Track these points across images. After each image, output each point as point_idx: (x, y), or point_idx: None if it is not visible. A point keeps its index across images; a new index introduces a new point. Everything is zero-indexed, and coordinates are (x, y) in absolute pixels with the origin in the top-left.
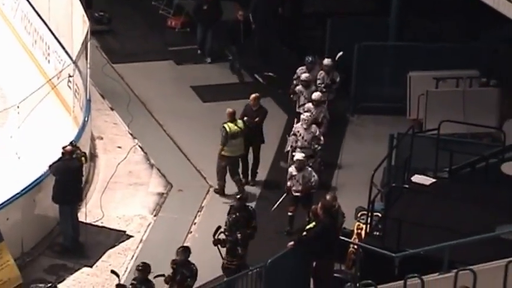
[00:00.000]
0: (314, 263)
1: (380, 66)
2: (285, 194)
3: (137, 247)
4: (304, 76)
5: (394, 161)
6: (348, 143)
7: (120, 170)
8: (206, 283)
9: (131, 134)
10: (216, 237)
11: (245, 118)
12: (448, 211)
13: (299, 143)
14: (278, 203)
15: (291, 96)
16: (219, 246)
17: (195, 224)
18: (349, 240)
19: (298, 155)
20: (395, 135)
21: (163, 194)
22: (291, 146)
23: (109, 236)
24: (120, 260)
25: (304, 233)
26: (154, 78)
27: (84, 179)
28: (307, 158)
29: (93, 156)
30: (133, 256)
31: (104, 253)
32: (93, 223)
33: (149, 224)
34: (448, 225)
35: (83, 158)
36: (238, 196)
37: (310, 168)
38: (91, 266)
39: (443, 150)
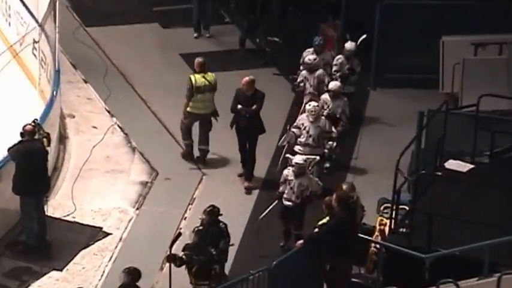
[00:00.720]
0: (327, 266)
1: (406, 30)
2: (275, 201)
3: (116, 246)
4: (309, 58)
5: (424, 143)
6: (369, 122)
7: (95, 155)
8: None
9: (109, 112)
10: (171, 249)
11: (239, 107)
12: (489, 203)
13: (302, 139)
14: (266, 211)
15: (296, 84)
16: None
17: (185, 219)
18: (370, 238)
19: (298, 158)
20: (426, 112)
21: (147, 183)
22: (288, 142)
23: (82, 234)
24: (95, 261)
25: (316, 229)
26: (136, 45)
27: (51, 165)
28: (311, 160)
29: (63, 137)
30: (111, 257)
31: (77, 254)
32: (63, 218)
33: (130, 219)
34: (488, 220)
35: (44, 140)
36: (208, 209)
37: (312, 176)
38: (61, 270)
39: (482, 130)
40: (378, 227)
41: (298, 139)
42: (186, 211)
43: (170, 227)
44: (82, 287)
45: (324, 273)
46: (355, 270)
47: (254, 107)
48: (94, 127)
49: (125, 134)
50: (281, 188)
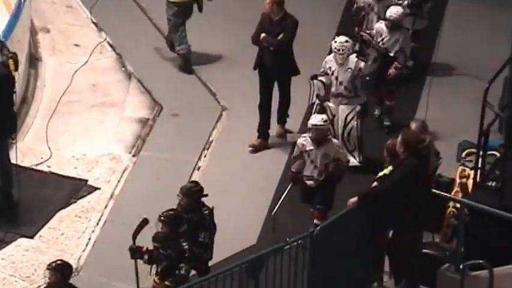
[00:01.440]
0: (390, 232)
1: None
2: (289, 186)
3: (105, 206)
4: None
5: None
6: (446, 34)
7: (77, 82)
8: (225, 260)
9: (95, 24)
10: (136, 239)
11: (262, 35)
12: None
13: (333, 88)
14: (279, 203)
15: (354, 15)
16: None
17: (198, 169)
18: (448, 195)
19: (316, 118)
20: None
21: (147, 120)
22: (317, 96)
23: (60, 189)
24: (78, 226)
25: (375, 183)
26: None
27: (19, 96)
28: (348, 112)
29: (35, 59)
30: (99, 220)
31: (52, 216)
32: (35, 167)
33: (125, 170)
34: None
35: (10, 62)
36: (186, 187)
37: (335, 140)
38: (31, 237)
39: None
40: (458, 180)
41: (331, 89)
42: (199, 159)
43: (178, 181)
44: (60, 259)
45: (386, 242)
46: (427, 238)
47: (281, 36)
48: (76, 45)
49: (118, 54)
50: (295, 165)
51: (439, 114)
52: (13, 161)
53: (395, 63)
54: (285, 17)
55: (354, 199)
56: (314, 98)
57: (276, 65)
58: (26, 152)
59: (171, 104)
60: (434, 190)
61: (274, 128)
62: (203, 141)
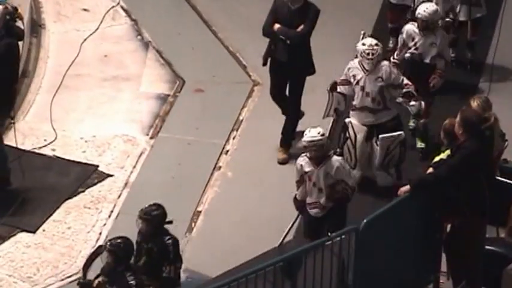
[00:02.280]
0: (448, 225)
1: None
2: (296, 218)
3: (119, 195)
4: None
5: None
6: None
7: (86, 53)
8: (259, 255)
9: None
10: (86, 272)
11: (277, 26)
12: None
13: (356, 100)
14: (285, 233)
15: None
16: None
17: (226, 153)
18: None
19: (311, 133)
20: None
21: (167, 97)
22: (335, 111)
23: (67, 175)
24: (87, 219)
25: (430, 169)
26: None
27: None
28: (388, 138)
29: (37, 26)
30: (111, 212)
31: (58, 207)
32: (38, 151)
33: (141, 153)
34: None
35: (19, 23)
36: (145, 211)
37: (336, 157)
38: (33, 231)
39: None
40: None
41: (353, 101)
42: (227, 141)
43: (202, 167)
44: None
45: (443, 236)
46: (491, 233)
47: (301, 28)
48: (84, 10)
49: (133, 20)
50: (299, 191)
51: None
52: (12, 143)
53: (438, 70)
54: (306, 5)
55: (406, 187)
56: (332, 112)
57: (291, 61)
58: (27, 133)
59: (195, 77)
60: (498, 177)
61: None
62: (231, 121)
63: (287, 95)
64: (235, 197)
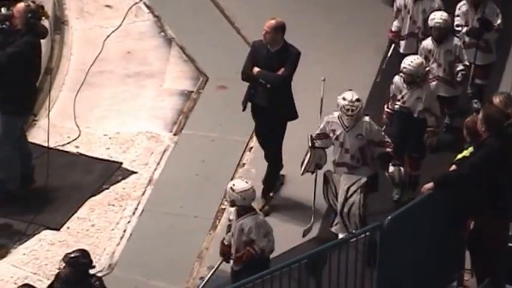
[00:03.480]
0: (471, 223)
1: None
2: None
3: (143, 193)
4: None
5: None
6: None
7: (109, 50)
8: (280, 255)
9: None
10: None
11: (256, 69)
12: None
13: (336, 155)
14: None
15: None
16: None
17: (250, 150)
18: None
19: (238, 184)
20: None
21: (190, 93)
22: (316, 166)
23: (90, 172)
24: (111, 216)
25: (453, 166)
26: None
27: (42, 65)
28: (351, 184)
29: (60, 23)
30: (135, 210)
31: (82, 205)
32: (61, 148)
33: (165, 150)
34: None
35: (45, 21)
36: (70, 256)
37: (260, 217)
38: (57, 229)
39: None
40: None
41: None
42: (251, 138)
43: (226, 163)
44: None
45: (466, 235)
46: None
47: (281, 71)
48: (107, 6)
49: (156, 17)
50: (226, 238)
51: None
52: (35, 140)
53: (430, 128)
54: (286, 47)
55: (429, 185)
56: (312, 168)
57: (272, 106)
58: (50, 130)
59: (218, 74)
60: None
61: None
62: None
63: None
64: (259, 194)
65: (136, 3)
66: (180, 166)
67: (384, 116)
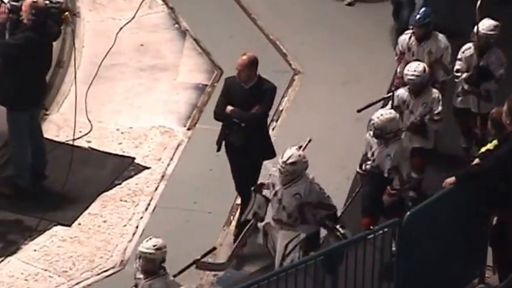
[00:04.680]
0: (495, 218)
1: None
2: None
3: (156, 188)
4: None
5: None
6: None
7: (122, 42)
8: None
9: None
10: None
11: (229, 108)
12: None
13: (273, 212)
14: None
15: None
16: None
17: None
18: None
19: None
20: None
21: (205, 87)
22: (254, 215)
23: (103, 168)
24: (123, 212)
25: (477, 160)
26: None
27: (54, 57)
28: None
29: (72, 15)
30: (148, 205)
31: (94, 200)
32: (73, 143)
33: (178, 145)
34: None
35: (67, 15)
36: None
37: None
38: (69, 225)
39: None
40: None
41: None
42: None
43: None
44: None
45: (489, 229)
46: None
47: (256, 108)
48: None
49: (170, 8)
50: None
51: None
52: (47, 135)
53: (389, 187)
54: (260, 83)
55: (451, 179)
56: (250, 216)
57: (247, 146)
58: (61, 124)
59: (233, 67)
60: None
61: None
62: (271, 111)
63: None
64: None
65: None
66: (194, 161)
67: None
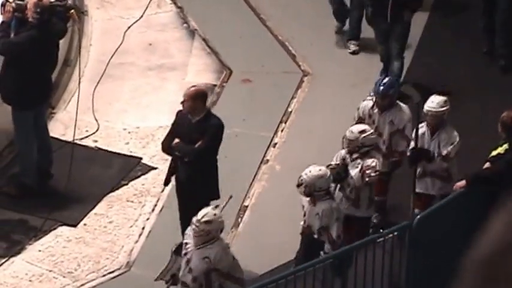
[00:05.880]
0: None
1: None
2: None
3: (163, 189)
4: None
5: None
6: None
7: (130, 41)
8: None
9: None
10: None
11: (175, 141)
12: None
13: (181, 274)
14: None
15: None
16: None
17: (274, 146)
18: None
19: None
20: None
21: (214, 87)
22: (172, 277)
23: (109, 167)
24: (129, 213)
25: (487, 164)
26: None
27: (60, 56)
28: None
29: (80, 13)
30: (154, 206)
31: (100, 201)
32: (79, 142)
33: None
34: None
35: (73, 13)
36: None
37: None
38: (75, 225)
39: None
40: None
41: None
42: (275, 133)
43: (250, 160)
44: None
45: None
46: None
47: (198, 144)
48: None
49: (179, 7)
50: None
51: None
52: (53, 134)
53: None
54: (208, 118)
55: (462, 182)
56: (168, 277)
57: (191, 182)
58: (68, 123)
59: (242, 67)
60: None
61: None
62: (280, 113)
63: None
64: (283, 192)
65: None
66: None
67: None
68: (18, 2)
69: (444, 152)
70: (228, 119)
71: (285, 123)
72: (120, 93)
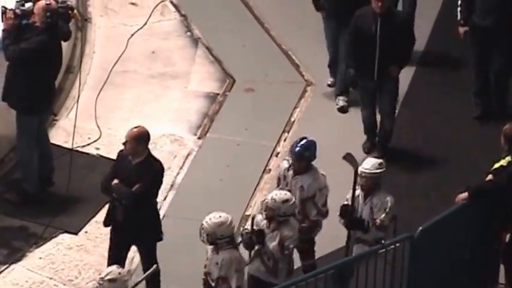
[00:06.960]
0: (507, 236)
1: None
2: None
3: (165, 198)
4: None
5: None
6: None
7: (133, 49)
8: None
9: None
10: None
11: (114, 182)
12: None
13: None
14: None
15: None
16: None
17: (277, 155)
18: None
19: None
20: None
21: (216, 96)
22: None
23: None
24: None
25: (489, 176)
26: None
27: (63, 63)
28: None
29: (83, 20)
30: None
31: (102, 208)
32: (81, 150)
33: (189, 154)
34: None
35: (75, 13)
36: None
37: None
38: (76, 233)
39: None
40: None
41: None
42: (278, 143)
43: (252, 169)
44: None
45: (501, 247)
46: None
47: (136, 187)
48: (132, 4)
49: (182, 16)
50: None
51: None
52: (54, 141)
53: None
54: (148, 161)
55: (464, 195)
56: None
57: (129, 224)
58: (70, 130)
59: (245, 76)
60: None
61: None
62: (283, 122)
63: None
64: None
65: (163, 1)
66: (204, 171)
67: None
68: (23, 8)
69: (378, 222)
70: (230, 128)
71: (288, 132)
72: (123, 101)
